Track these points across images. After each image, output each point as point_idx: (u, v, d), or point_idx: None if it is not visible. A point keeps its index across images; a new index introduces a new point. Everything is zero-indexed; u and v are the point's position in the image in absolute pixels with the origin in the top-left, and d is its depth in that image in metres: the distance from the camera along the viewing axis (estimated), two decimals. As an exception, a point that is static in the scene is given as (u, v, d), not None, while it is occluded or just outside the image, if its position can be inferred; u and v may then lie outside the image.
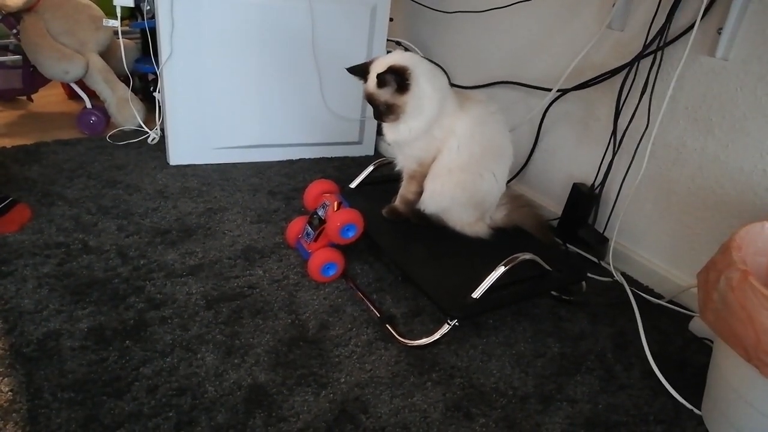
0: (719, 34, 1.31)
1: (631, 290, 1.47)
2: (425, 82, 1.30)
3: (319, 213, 1.38)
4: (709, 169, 1.39)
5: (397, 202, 1.50)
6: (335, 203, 1.36)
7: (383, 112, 1.32)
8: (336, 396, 1.07)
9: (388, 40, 2.04)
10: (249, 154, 1.97)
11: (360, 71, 1.35)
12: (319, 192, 1.46)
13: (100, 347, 1.12)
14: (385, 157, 2.11)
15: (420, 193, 1.44)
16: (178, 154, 1.88)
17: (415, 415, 1.06)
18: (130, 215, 1.57)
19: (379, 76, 1.28)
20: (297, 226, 1.46)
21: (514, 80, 1.86)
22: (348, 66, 1.38)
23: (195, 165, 1.90)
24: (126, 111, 2.08)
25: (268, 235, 1.55)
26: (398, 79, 1.27)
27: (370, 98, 1.34)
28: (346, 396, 1.08)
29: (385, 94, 1.30)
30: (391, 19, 2.01)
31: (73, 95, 2.38)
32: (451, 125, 1.35)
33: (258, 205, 1.70)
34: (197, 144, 1.88)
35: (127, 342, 1.14)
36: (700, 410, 1.15)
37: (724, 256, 1.01)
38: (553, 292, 1.45)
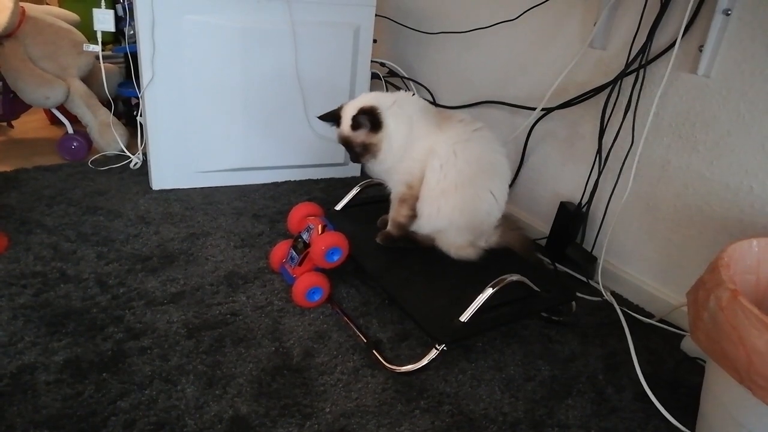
0: (700, 51, 1.31)
1: (621, 310, 1.45)
2: (391, 117, 1.35)
3: (303, 236, 1.36)
4: (695, 186, 1.38)
5: (390, 227, 1.47)
6: (319, 226, 1.34)
7: (359, 153, 1.38)
8: (321, 427, 1.04)
9: (372, 61, 2.04)
10: (233, 177, 1.94)
11: (332, 117, 1.42)
12: (303, 215, 1.44)
13: (76, 381, 1.08)
14: (371, 178, 2.10)
15: (413, 216, 1.43)
16: (160, 179, 1.86)
17: (403, 445, 1.03)
18: (110, 242, 1.54)
19: (354, 118, 1.34)
20: (281, 250, 1.44)
21: (499, 100, 1.86)
22: (323, 110, 1.45)
23: (178, 189, 1.88)
24: (108, 136, 2.06)
25: (252, 259, 1.52)
26: (371, 118, 1.33)
27: (345, 141, 1.39)
28: (332, 427, 1.04)
29: (360, 135, 1.36)
30: (374, 41, 2.01)
31: (54, 120, 2.35)
32: (430, 145, 1.37)
33: (242, 229, 1.67)
34: (180, 168, 1.86)
35: (104, 374, 1.10)
36: (694, 432, 1.13)
37: (713, 274, 1.00)
38: (542, 313, 1.43)
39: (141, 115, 1.90)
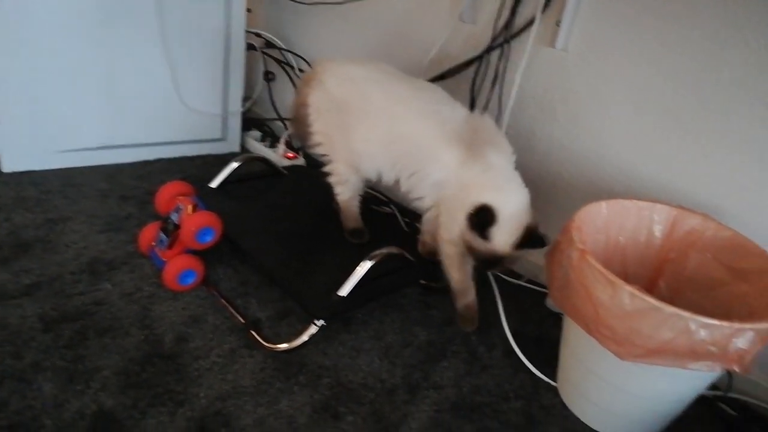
0: (558, 26, 1.38)
1: (490, 272, 1.53)
2: None
3: (173, 218, 1.29)
4: (556, 154, 1.48)
5: (460, 299, 1.34)
6: (189, 206, 1.28)
7: None
8: (194, 413, 1.01)
9: (247, 31, 1.95)
10: (97, 156, 1.79)
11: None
12: (172, 194, 1.36)
13: None
14: (250, 152, 2.04)
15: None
16: (11, 161, 1.67)
17: (281, 422, 1.02)
18: (-50, 232, 1.38)
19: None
20: (150, 232, 1.36)
21: (376, 72, 1.85)
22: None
23: (33, 171, 1.70)
24: (-55, 113, 1.82)
25: (119, 244, 1.43)
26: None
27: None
28: (206, 411, 1.01)
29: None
30: (249, 10, 1.93)
31: None
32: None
33: (107, 212, 1.56)
34: (35, 148, 1.68)
35: (-56, 380, 0.99)
36: (556, 382, 1.22)
37: (566, 236, 1.07)
38: (421, 281, 1.47)
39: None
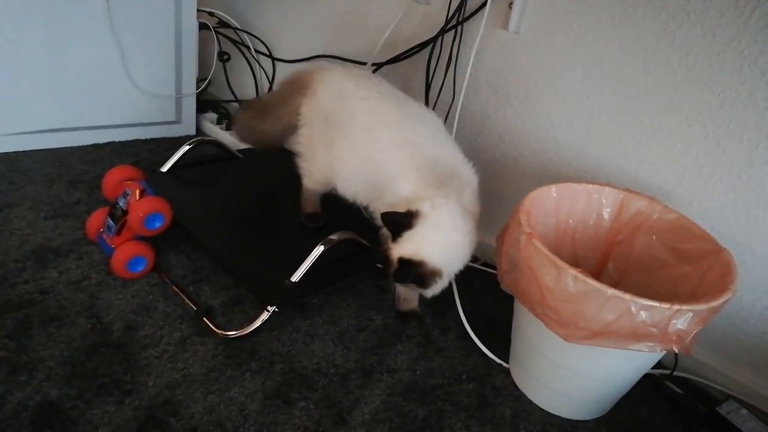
0: (510, 8, 1.38)
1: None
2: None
3: (120, 203, 1.26)
4: (510, 137, 1.48)
5: (404, 304, 1.33)
6: (137, 191, 1.25)
7: None
8: (142, 402, 0.99)
9: (199, 10, 1.89)
10: (44, 139, 1.73)
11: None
12: (119, 179, 1.32)
13: None
14: (207, 135, 2.00)
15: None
16: (-49, 144, 1.61)
17: (232, 409, 1.02)
18: None
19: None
20: (98, 218, 1.32)
21: (333, 54, 1.83)
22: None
23: (-25, 155, 1.64)
24: None
25: (67, 231, 1.38)
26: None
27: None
28: (154, 400, 1.00)
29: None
30: (200, -12, 1.87)
31: None
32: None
33: (54, 197, 1.50)
34: (-24, 131, 1.62)
35: None
36: (508, 363, 1.24)
37: (515, 220, 1.09)
38: (378, 265, 1.47)
39: None
